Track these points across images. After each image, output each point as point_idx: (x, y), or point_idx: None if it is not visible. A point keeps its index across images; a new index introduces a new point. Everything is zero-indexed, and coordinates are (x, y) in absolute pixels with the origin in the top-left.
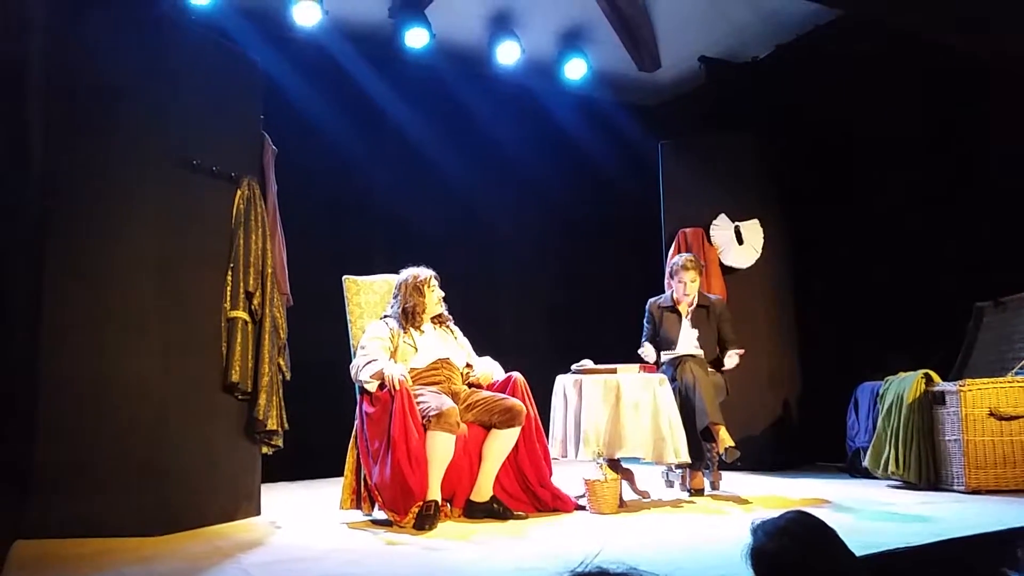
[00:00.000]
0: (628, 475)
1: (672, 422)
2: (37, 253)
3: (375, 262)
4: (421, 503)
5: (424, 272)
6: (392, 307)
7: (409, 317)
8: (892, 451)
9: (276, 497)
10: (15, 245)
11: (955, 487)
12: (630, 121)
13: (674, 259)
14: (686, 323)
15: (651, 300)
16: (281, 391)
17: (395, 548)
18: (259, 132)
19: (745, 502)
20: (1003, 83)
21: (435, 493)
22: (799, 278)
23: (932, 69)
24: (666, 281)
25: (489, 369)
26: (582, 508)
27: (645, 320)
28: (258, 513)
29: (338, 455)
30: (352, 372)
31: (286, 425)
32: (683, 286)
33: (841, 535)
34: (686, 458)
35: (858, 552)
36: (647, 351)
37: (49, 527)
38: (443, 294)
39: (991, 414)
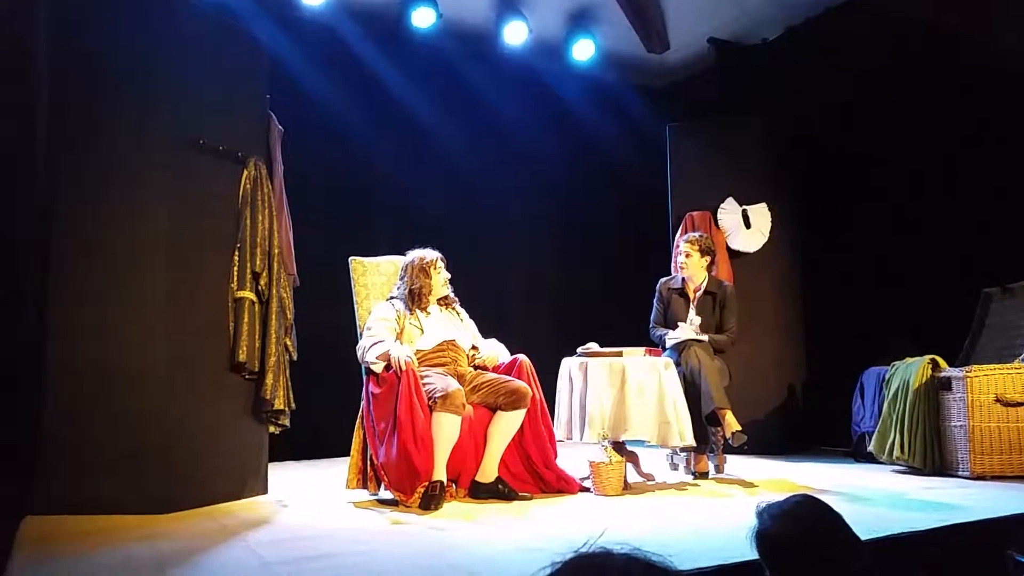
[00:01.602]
0: (633, 458)
1: (677, 406)
2: (43, 234)
3: (381, 243)
4: (427, 483)
5: (430, 254)
6: (398, 289)
7: (415, 299)
8: (897, 436)
9: (282, 476)
10: (22, 226)
11: (960, 472)
12: (638, 103)
13: (683, 236)
14: (692, 308)
15: (662, 280)
16: (288, 371)
17: (400, 527)
18: (265, 112)
19: (750, 485)
20: (1010, 69)
21: (440, 474)
22: (806, 262)
23: (940, 54)
24: (673, 262)
25: (495, 351)
26: (586, 490)
27: (655, 300)
28: (265, 492)
29: (344, 435)
30: (358, 353)
31: (293, 405)
32: (680, 258)
33: (846, 519)
34: (691, 441)
35: (863, 536)
36: (672, 335)
37: (57, 504)
38: (449, 276)
39: (997, 400)
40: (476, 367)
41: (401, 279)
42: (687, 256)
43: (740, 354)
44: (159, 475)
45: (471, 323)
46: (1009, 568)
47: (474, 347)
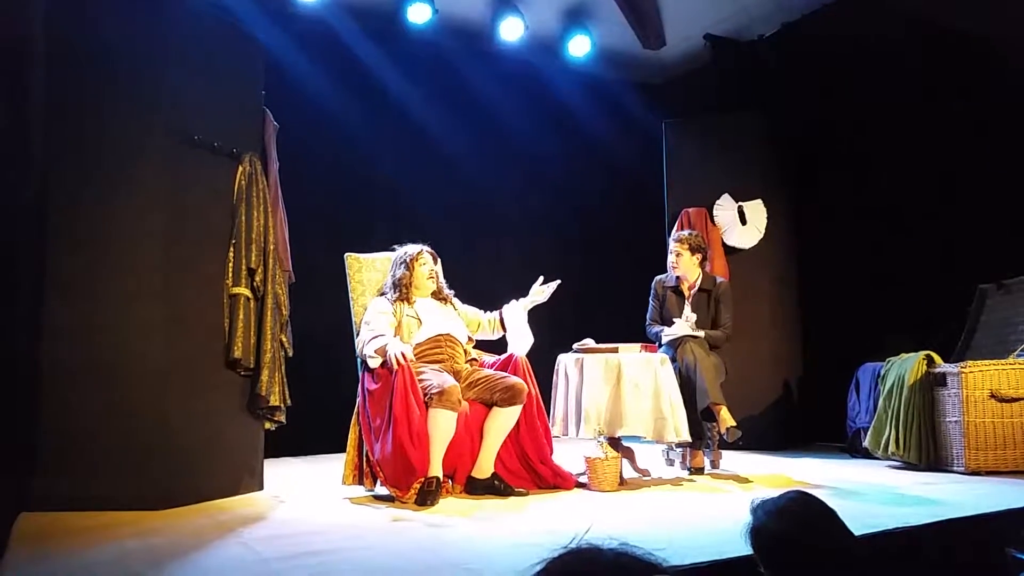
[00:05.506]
0: (628, 453)
1: (673, 401)
2: (38, 230)
3: (377, 239)
4: (423, 479)
5: (414, 248)
6: (387, 284)
7: (399, 289)
8: (893, 432)
9: (278, 472)
10: (17, 222)
11: (955, 468)
12: (634, 99)
13: (674, 234)
14: (687, 306)
15: (657, 278)
16: (283, 367)
17: (397, 524)
18: (260, 108)
19: (745, 481)
20: (1007, 64)
21: (436, 470)
22: (802, 258)
23: (937, 50)
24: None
25: (476, 313)
26: (582, 485)
27: (651, 297)
28: (260, 488)
29: (340, 431)
30: (358, 347)
31: (288, 401)
32: (671, 257)
33: (841, 515)
34: (686, 437)
35: (857, 532)
36: (668, 332)
37: (52, 500)
38: (435, 268)
39: (992, 396)
40: (471, 361)
41: (390, 274)
42: (677, 255)
43: (736, 350)
44: (155, 471)
45: (468, 308)
46: (1008, 564)
47: (470, 339)
